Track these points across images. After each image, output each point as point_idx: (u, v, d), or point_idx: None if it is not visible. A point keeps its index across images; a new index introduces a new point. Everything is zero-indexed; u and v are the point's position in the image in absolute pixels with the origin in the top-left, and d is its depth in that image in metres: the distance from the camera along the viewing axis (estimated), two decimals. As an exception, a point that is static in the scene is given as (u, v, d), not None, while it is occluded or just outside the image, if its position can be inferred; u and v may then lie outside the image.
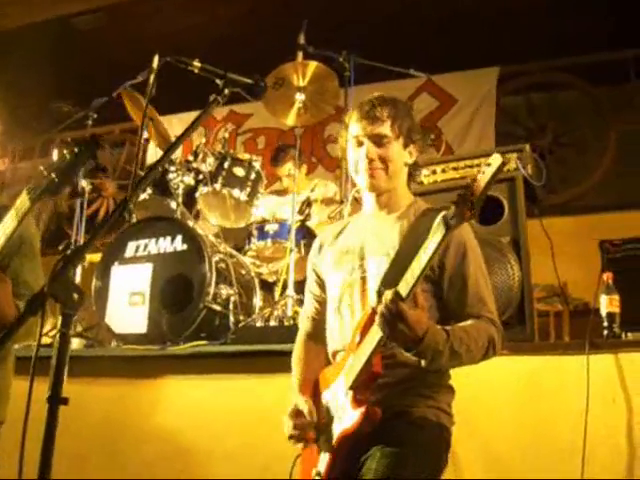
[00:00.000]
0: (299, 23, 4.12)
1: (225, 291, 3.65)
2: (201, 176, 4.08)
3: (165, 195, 4.06)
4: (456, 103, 5.75)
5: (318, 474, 1.90)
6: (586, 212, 5.33)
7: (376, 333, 1.74)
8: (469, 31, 5.35)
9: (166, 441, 3.17)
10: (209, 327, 3.58)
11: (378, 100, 2.03)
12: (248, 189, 4.08)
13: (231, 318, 3.60)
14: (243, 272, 3.92)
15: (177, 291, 3.62)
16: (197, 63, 1.85)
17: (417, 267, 1.67)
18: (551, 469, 2.56)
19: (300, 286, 3.05)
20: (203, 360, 3.33)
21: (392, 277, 1.80)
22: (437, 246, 1.64)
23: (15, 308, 2.16)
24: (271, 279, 4.24)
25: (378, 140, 2.01)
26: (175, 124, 5.74)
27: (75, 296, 1.42)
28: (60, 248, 4.26)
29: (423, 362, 1.77)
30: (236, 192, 4.03)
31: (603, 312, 2.81)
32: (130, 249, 3.80)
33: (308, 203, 4.30)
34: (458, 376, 2.03)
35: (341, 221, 2.70)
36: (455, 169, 3.29)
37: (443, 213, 1.62)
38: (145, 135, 4.24)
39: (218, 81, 1.77)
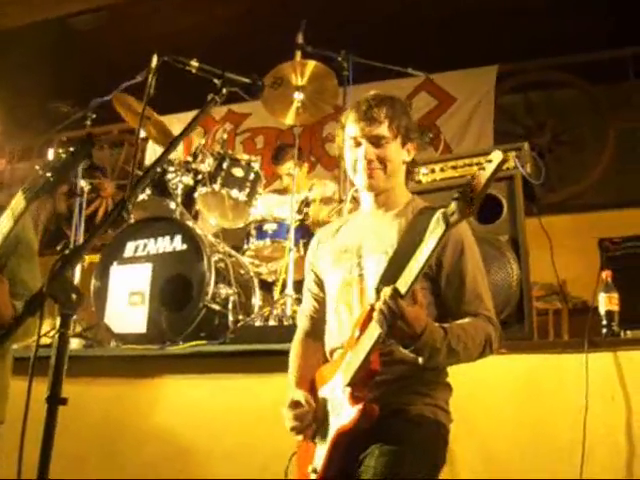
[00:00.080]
0: (297, 23, 4.12)
1: (224, 291, 3.65)
2: (200, 176, 4.08)
3: (164, 195, 4.07)
4: (455, 102, 5.75)
5: (314, 470, 1.89)
6: (585, 210, 5.34)
7: (374, 329, 1.74)
8: (468, 30, 5.34)
9: (165, 441, 3.17)
10: (208, 327, 3.58)
11: (375, 100, 2.02)
12: (247, 189, 4.08)
13: (230, 317, 3.61)
14: (242, 272, 3.93)
15: (176, 291, 3.63)
16: (195, 63, 1.85)
17: (416, 264, 1.67)
18: (550, 468, 2.56)
19: (299, 285, 3.05)
20: (202, 360, 3.33)
21: (390, 275, 1.80)
22: (437, 242, 1.64)
23: (12, 308, 2.16)
24: (270, 279, 4.24)
25: (376, 141, 2.00)
26: (174, 124, 5.73)
27: (73, 296, 1.43)
28: (58, 248, 4.27)
29: (420, 359, 1.77)
30: (235, 192, 4.04)
31: (602, 310, 2.80)
32: (129, 249, 3.81)
33: (307, 203, 4.30)
34: (456, 374, 2.02)
35: (338, 219, 2.69)
36: (454, 168, 3.29)
37: (443, 210, 1.62)
38: (142, 134, 4.24)
39: (216, 80, 1.78)
